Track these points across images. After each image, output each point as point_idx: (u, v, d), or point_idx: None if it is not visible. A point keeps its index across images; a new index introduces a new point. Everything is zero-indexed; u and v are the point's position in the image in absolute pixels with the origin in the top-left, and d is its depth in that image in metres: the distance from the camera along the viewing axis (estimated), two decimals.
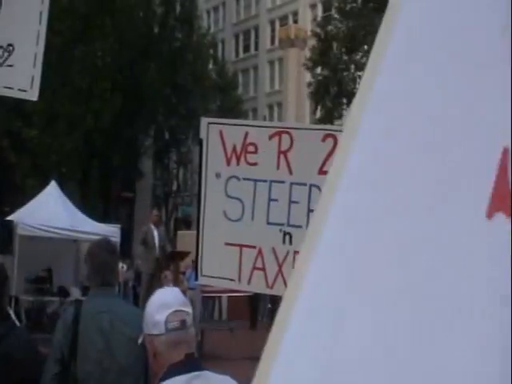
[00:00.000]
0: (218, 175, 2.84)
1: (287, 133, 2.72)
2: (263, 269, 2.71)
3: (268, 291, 2.83)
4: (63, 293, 9.92)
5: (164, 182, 25.74)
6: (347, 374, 0.49)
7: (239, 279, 2.76)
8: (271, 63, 34.27)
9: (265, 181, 2.74)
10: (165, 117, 23.45)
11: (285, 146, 2.71)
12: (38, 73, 2.76)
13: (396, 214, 0.52)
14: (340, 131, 2.64)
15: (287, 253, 2.67)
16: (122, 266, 11.89)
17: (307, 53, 24.16)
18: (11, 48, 2.70)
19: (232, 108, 26.41)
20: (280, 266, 2.67)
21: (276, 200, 2.71)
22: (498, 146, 0.50)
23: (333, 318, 0.51)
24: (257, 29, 35.36)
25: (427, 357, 0.47)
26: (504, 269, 0.47)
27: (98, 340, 2.34)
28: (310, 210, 2.61)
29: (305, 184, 2.65)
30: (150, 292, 1.81)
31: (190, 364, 1.58)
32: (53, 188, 10.10)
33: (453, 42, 0.55)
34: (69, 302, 8.74)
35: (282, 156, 2.71)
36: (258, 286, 2.80)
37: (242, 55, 36.07)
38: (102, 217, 14.30)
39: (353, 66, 19.66)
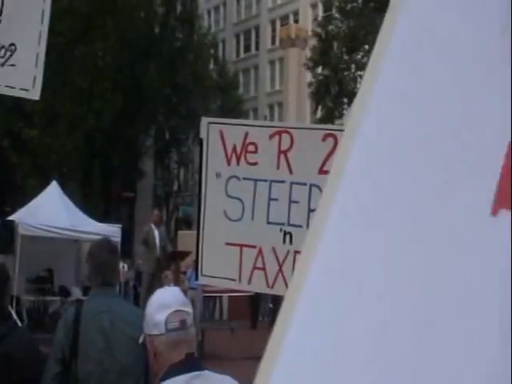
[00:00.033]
0: (218, 175, 2.84)
1: (287, 132, 2.72)
2: (263, 268, 2.71)
3: (268, 291, 2.83)
4: (64, 293, 9.94)
5: (165, 182, 25.74)
6: (349, 374, 0.48)
7: (239, 279, 2.76)
8: (272, 63, 34.26)
9: (265, 180, 2.73)
10: (165, 117, 23.45)
11: (285, 145, 2.70)
12: (39, 72, 2.76)
13: (398, 213, 0.52)
14: (340, 131, 2.63)
15: (287, 252, 2.67)
16: (122, 266, 11.89)
17: (308, 52, 24.15)
18: (13, 47, 2.70)
19: (233, 108, 26.41)
20: (280, 266, 2.67)
21: (276, 200, 2.71)
22: (502, 143, 0.50)
23: (335, 317, 0.50)
24: (257, 28, 35.36)
25: (430, 357, 0.47)
26: (506, 266, 0.47)
27: (98, 340, 2.34)
28: (310, 210, 2.61)
29: (305, 184, 2.64)
30: (150, 292, 1.81)
31: (190, 364, 1.58)
32: (54, 188, 10.11)
33: (454, 41, 0.55)
34: (70, 301, 8.76)
35: (282, 156, 2.71)
36: (258, 286, 2.79)
37: (242, 55, 36.06)
38: (103, 217, 14.30)
39: (353, 66, 19.65)
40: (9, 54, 2.70)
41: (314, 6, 31.30)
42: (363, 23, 18.21)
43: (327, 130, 2.76)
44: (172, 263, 8.93)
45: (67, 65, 16.96)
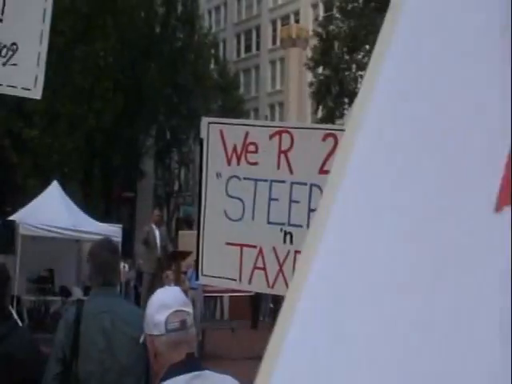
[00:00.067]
0: (218, 175, 2.84)
1: (288, 132, 2.72)
2: (264, 268, 2.71)
3: (269, 291, 2.83)
4: (65, 292, 9.95)
5: (165, 182, 25.76)
6: (350, 374, 0.48)
7: (240, 279, 2.76)
8: (273, 63, 34.26)
9: (265, 180, 2.73)
10: (166, 117, 23.46)
11: (285, 145, 2.70)
12: (41, 71, 2.76)
13: (399, 213, 0.52)
14: (341, 130, 2.63)
15: (288, 252, 2.67)
16: (123, 266, 11.90)
17: (309, 52, 24.14)
18: (15, 47, 2.70)
19: (233, 108, 26.42)
20: (281, 266, 2.67)
21: (276, 199, 2.71)
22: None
23: (335, 317, 0.50)
24: (258, 28, 35.36)
25: (430, 357, 0.47)
26: (506, 266, 0.47)
27: (99, 340, 2.35)
28: (310, 210, 2.61)
29: (305, 183, 2.64)
30: (151, 292, 1.81)
31: (190, 364, 1.58)
32: (54, 188, 10.12)
33: (454, 41, 0.55)
34: (70, 301, 8.76)
35: (282, 155, 2.70)
36: (258, 286, 2.79)
37: (243, 55, 36.07)
38: (104, 217, 14.31)
39: (354, 66, 19.66)
40: (10, 53, 2.70)
41: (314, 6, 31.30)
42: (364, 23, 18.21)
43: (327, 129, 2.76)
44: (173, 263, 8.93)
45: (68, 65, 16.97)
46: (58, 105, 17.09)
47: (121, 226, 10.81)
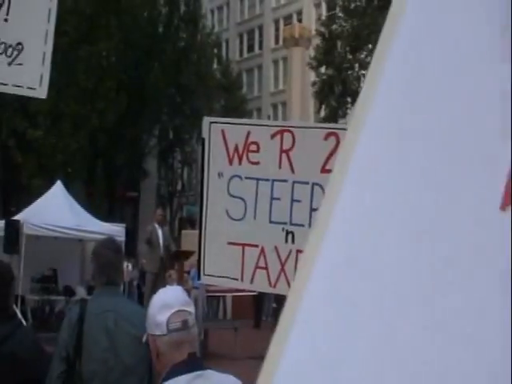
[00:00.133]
0: (220, 174, 2.84)
1: (289, 131, 2.72)
2: (266, 268, 2.71)
3: (271, 290, 2.82)
4: (69, 292, 9.96)
5: (168, 182, 25.75)
6: (353, 374, 0.48)
7: (242, 278, 2.76)
8: (275, 62, 34.20)
9: (267, 180, 2.73)
10: (169, 116, 23.44)
11: (287, 144, 2.70)
12: (46, 71, 2.77)
13: (402, 212, 0.52)
14: (342, 129, 2.63)
15: (290, 252, 2.66)
16: (126, 266, 11.90)
17: (311, 52, 24.08)
18: (20, 47, 2.71)
19: (236, 107, 26.39)
20: (282, 265, 2.67)
21: (278, 199, 2.70)
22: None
23: (338, 317, 0.50)
24: (261, 28, 35.30)
25: (435, 357, 0.47)
26: (506, 266, 0.47)
27: (102, 339, 2.35)
28: (312, 209, 2.61)
29: (307, 183, 2.64)
30: (154, 291, 1.81)
31: (192, 363, 1.58)
32: (58, 188, 10.14)
33: (455, 41, 0.55)
34: (74, 301, 8.77)
35: (284, 155, 2.70)
36: (260, 285, 2.79)
37: (246, 55, 36.02)
38: (107, 216, 14.32)
39: (357, 65, 19.60)
40: (16, 53, 2.71)
41: (317, 6, 31.23)
42: (367, 22, 18.15)
43: (329, 128, 2.75)
44: (176, 262, 8.94)
45: (71, 65, 16.98)
46: (62, 105, 17.10)
47: (124, 225, 10.82)
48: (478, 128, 0.52)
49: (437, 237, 0.50)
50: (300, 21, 32.04)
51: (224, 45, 34.99)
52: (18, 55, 2.71)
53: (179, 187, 26.61)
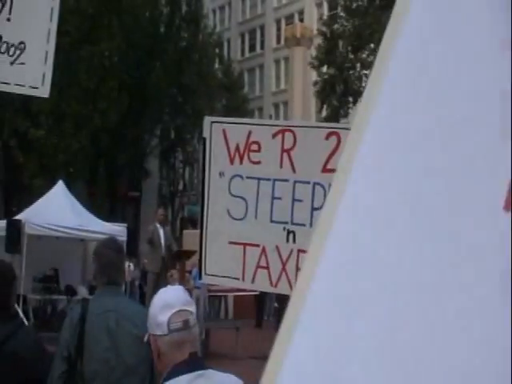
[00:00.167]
0: (221, 174, 2.84)
1: (290, 131, 2.71)
2: (267, 267, 2.71)
3: (272, 290, 2.82)
4: (70, 292, 9.98)
5: (170, 182, 25.78)
6: (356, 374, 0.48)
7: (243, 278, 2.76)
8: (277, 62, 34.21)
9: (268, 179, 2.73)
10: (171, 116, 23.48)
11: (288, 144, 2.70)
12: (49, 70, 2.77)
13: (407, 209, 0.52)
14: (343, 129, 2.62)
15: (291, 251, 2.66)
16: (128, 265, 11.92)
17: (313, 51, 24.09)
18: (23, 46, 2.71)
19: (238, 107, 26.42)
20: (284, 265, 2.67)
21: (279, 198, 2.70)
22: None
23: (342, 317, 0.51)
24: (263, 28, 35.32)
25: (437, 356, 0.47)
26: (506, 265, 0.47)
27: (104, 339, 2.35)
28: (313, 209, 2.61)
29: (308, 182, 2.64)
30: (156, 291, 1.81)
31: (193, 363, 1.58)
32: (60, 188, 10.16)
33: (457, 41, 0.55)
34: (76, 300, 8.79)
35: (285, 154, 2.70)
36: (261, 285, 2.79)
37: (247, 54, 36.04)
38: (109, 216, 14.34)
39: (359, 65, 19.60)
40: (18, 52, 2.71)
41: (319, 5, 31.23)
42: (368, 22, 18.15)
43: (330, 128, 2.75)
44: (177, 262, 8.95)
45: (73, 65, 17.00)
46: (64, 105, 17.14)
47: (126, 225, 10.83)
48: (480, 128, 0.52)
49: (439, 237, 0.50)
50: (302, 20, 32.02)
51: (226, 44, 35.02)
52: (20, 54, 2.72)
53: (181, 187, 26.64)
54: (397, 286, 0.50)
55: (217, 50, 27.99)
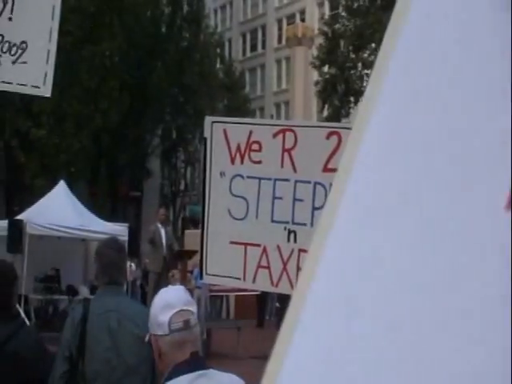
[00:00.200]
0: (222, 174, 2.84)
1: (291, 131, 2.72)
2: (268, 267, 2.71)
3: (273, 289, 2.82)
4: (72, 291, 9.99)
5: (171, 182, 25.81)
6: (358, 374, 0.48)
7: (244, 278, 2.76)
8: (278, 62, 34.23)
9: (269, 179, 2.73)
10: (172, 116, 23.51)
11: (289, 143, 2.70)
12: (50, 69, 2.77)
13: (408, 212, 0.52)
14: (344, 128, 2.63)
15: (292, 251, 2.67)
16: (130, 265, 11.93)
17: (314, 51, 24.10)
18: (24, 45, 2.71)
19: (239, 107, 26.45)
20: (285, 264, 2.67)
21: (280, 198, 2.70)
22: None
23: (343, 317, 0.51)
24: (264, 27, 35.33)
25: (439, 357, 0.47)
26: (506, 264, 0.47)
27: (105, 339, 2.35)
28: (314, 208, 2.61)
29: (309, 182, 2.64)
30: (157, 291, 1.82)
31: (194, 363, 1.58)
32: (61, 188, 10.17)
33: (459, 41, 0.55)
34: (77, 300, 8.80)
35: (286, 154, 2.70)
36: (262, 284, 2.80)
37: (249, 54, 36.06)
38: (110, 216, 14.36)
39: (360, 65, 19.60)
40: (20, 51, 2.70)
41: (320, 5, 31.24)
42: (370, 21, 18.16)
43: (331, 127, 2.75)
44: (179, 262, 8.96)
45: (74, 65, 17.03)
46: (65, 105, 17.16)
47: (127, 225, 10.84)
48: (481, 127, 0.52)
49: (439, 237, 0.50)
50: (303, 20, 32.04)
51: (227, 44, 35.05)
52: (22, 53, 2.71)
53: (182, 187, 26.68)
54: (397, 285, 0.50)
55: (218, 50, 28.04)
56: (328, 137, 2.60)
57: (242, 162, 2.80)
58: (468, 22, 0.56)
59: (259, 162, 2.78)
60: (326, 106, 21.26)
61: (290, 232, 2.68)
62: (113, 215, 16.28)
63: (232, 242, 2.80)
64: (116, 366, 2.34)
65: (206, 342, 7.00)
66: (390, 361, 0.48)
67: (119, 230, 9.93)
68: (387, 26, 0.58)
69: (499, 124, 0.51)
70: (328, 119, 19.30)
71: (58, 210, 9.38)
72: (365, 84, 17.62)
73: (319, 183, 2.59)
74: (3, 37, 2.70)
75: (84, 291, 9.50)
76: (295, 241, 2.67)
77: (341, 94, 20.19)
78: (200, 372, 1.56)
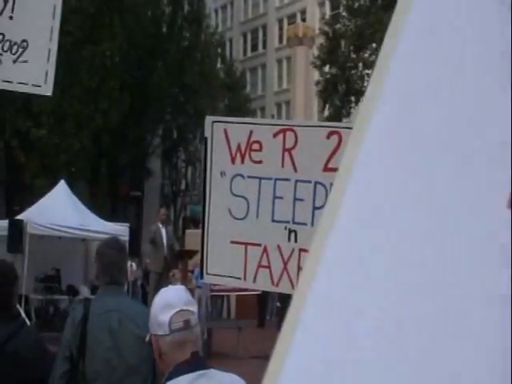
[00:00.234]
0: (222, 173, 2.84)
1: (292, 130, 2.72)
2: (268, 267, 2.71)
3: (273, 289, 2.82)
4: (72, 291, 10.00)
5: (172, 181, 25.81)
6: (358, 374, 0.48)
7: (244, 277, 2.76)
8: (279, 62, 34.22)
9: (269, 179, 2.73)
10: (173, 116, 23.50)
11: (289, 143, 2.70)
12: (51, 68, 2.76)
13: (409, 211, 0.52)
14: (345, 128, 2.62)
15: (292, 250, 2.67)
16: (130, 265, 11.94)
17: (315, 51, 24.08)
18: (25, 44, 2.71)
19: (240, 107, 26.44)
20: (285, 264, 2.67)
21: (281, 198, 2.70)
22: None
23: (343, 317, 0.51)
24: (265, 27, 35.32)
25: (440, 356, 0.47)
26: (505, 264, 0.47)
27: (106, 339, 2.35)
28: (314, 208, 2.61)
29: (309, 181, 2.64)
30: (158, 291, 1.82)
31: (195, 363, 1.58)
32: (62, 187, 10.17)
33: (459, 41, 0.55)
34: (78, 300, 8.81)
35: (286, 154, 2.70)
36: (263, 284, 2.80)
37: (249, 54, 36.05)
38: (111, 216, 14.36)
39: (361, 64, 19.60)
40: (21, 50, 2.70)
41: (321, 5, 31.22)
42: (370, 21, 18.15)
43: (331, 127, 2.75)
44: (179, 262, 8.95)
45: (75, 65, 17.03)
46: (66, 105, 17.16)
47: (128, 225, 10.84)
48: (481, 127, 0.52)
49: (441, 235, 0.50)
50: (304, 20, 32.03)
51: (228, 44, 35.03)
52: (22, 52, 2.71)
53: (183, 187, 26.67)
54: (397, 285, 0.50)
55: (219, 50, 28.03)
56: (328, 136, 2.60)
57: (242, 161, 2.80)
58: (468, 23, 0.56)
59: (260, 162, 2.77)
60: (327, 106, 21.26)
61: (290, 232, 2.68)
62: (113, 215, 16.28)
63: (232, 242, 2.80)
64: (117, 366, 2.34)
65: (207, 341, 7.00)
66: (390, 361, 0.48)
67: (120, 229, 9.93)
68: (388, 26, 0.58)
69: (499, 124, 0.51)
70: (329, 119, 19.29)
71: (59, 210, 9.38)
72: (366, 84, 17.60)
73: (320, 183, 2.58)
74: (4, 35, 2.70)
75: (84, 291, 9.51)
76: (296, 240, 2.66)
77: (342, 93, 20.18)
78: (201, 372, 1.56)
